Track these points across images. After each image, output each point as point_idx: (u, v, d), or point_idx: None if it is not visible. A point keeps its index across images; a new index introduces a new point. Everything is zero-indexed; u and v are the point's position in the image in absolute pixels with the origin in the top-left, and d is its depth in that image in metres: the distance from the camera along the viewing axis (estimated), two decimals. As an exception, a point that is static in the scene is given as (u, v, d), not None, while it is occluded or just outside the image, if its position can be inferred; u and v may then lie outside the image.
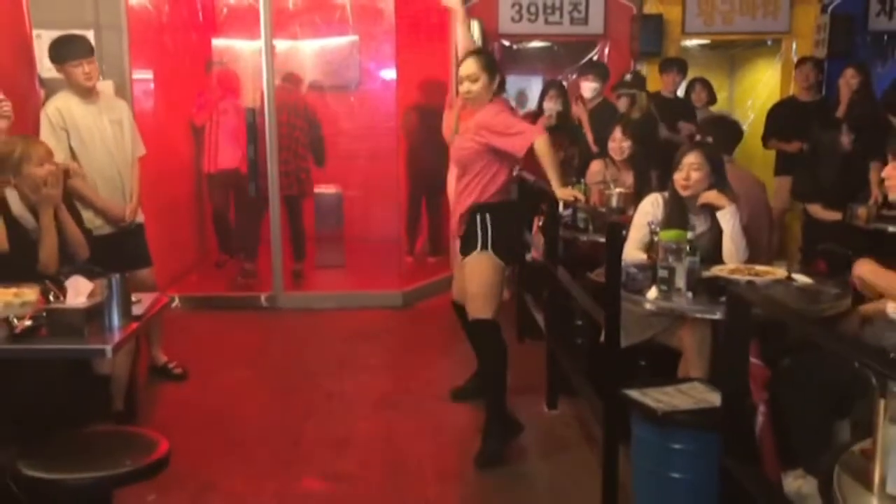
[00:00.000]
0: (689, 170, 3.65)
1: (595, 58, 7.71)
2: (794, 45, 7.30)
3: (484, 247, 3.76)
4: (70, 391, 2.88)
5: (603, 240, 4.56)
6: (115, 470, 2.37)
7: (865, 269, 2.82)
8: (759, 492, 2.18)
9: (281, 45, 7.52)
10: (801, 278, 3.37)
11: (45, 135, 4.13)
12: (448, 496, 3.42)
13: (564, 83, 6.88)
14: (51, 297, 2.83)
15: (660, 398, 2.86)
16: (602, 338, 3.22)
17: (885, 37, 7.52)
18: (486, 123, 3.70)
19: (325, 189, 7.37)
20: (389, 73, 6.90)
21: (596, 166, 5.18)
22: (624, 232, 3.87)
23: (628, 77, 6.56)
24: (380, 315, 6.10)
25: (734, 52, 8.59)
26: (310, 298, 6.39)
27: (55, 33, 6.00)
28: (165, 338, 4.81)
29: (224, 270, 7.19)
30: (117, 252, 4.13)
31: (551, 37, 7.54)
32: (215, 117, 7.24)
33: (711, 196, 3.62)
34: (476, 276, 3.79)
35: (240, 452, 3.81)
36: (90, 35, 6.01)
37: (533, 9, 7.17)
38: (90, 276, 3.12)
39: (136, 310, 2.89)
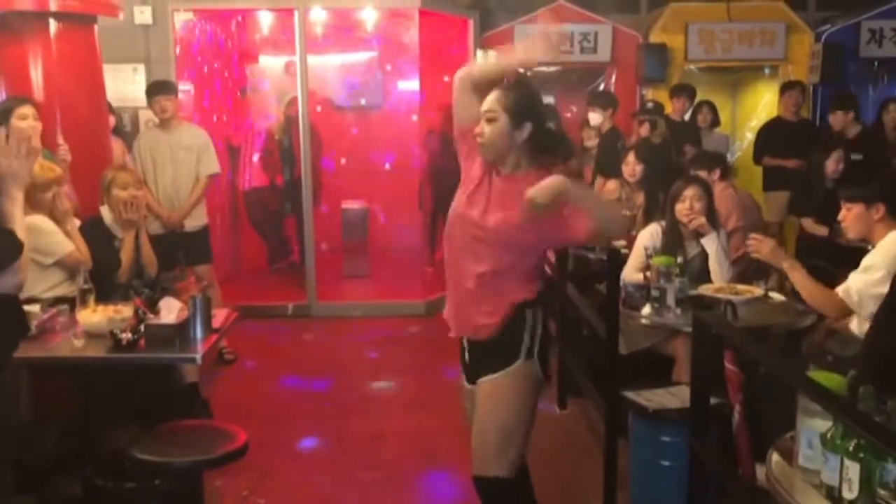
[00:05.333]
0: (692, 201, 4.20)
1: (602, 84, 8.26)
2: (790, 71, 7.78)
3: (529, 355, 2.77)
4: (167, 395, 3.47)
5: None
6: (207, 455, 2.94)
7: (766, 251, 3.71)
8: (721, 476, 2.73)
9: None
10: (776, 296, 3.92)
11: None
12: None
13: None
14: (140, 314, 3.41)
15: (651, 398, 3.40)
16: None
17: (876, 63, 8.03)
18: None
19: (351, 204, 7.96)
20: (413, 96, 7.43)
21: (612, 185, 5.74)
22: (624, 252, 4.44)
23: (650, 105, 7.01)
24: (405, 322, 6.66)
25: (737, 75, 9.06)
26: (340, 307, 6.96)
27: (111, 67, 6.66)
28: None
29: (262, 280, 7.81)
30: (181, 249, 5.42)
31: (563, 64, 8.09)
32: (249, 139, 7.86)
33: (697, 223, 4.16)
34: (504, 405, 2.75)
35: (292, 445, 4.39)
36: (141, 68, 6.69)
37: (546, 39, 7.69)
38: (155, 291, 3.76)
39: (214, 324, 3.47)
